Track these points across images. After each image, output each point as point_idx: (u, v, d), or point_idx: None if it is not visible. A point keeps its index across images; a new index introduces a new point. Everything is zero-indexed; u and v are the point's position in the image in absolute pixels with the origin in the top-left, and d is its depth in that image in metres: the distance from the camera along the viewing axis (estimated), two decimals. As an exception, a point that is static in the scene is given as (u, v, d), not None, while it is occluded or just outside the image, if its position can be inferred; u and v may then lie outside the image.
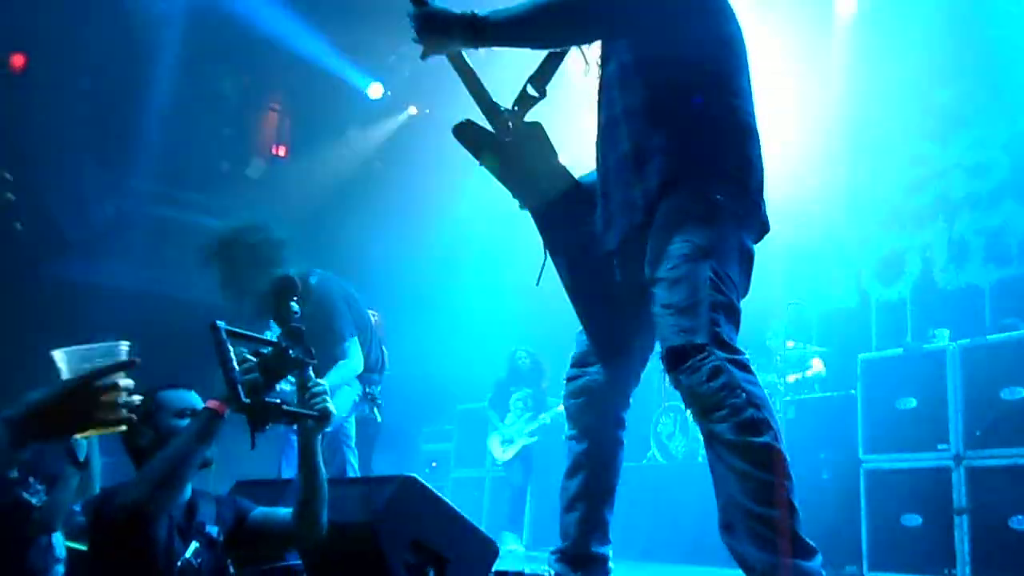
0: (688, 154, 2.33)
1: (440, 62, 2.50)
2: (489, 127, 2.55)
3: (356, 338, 4.59)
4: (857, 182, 8.31)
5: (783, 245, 7.64)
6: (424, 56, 2.47)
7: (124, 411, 1.81)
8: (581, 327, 2.64)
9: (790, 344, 7.16)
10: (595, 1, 2.40)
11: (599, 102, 2.56)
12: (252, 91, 9.38)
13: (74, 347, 1.90)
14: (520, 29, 2.43)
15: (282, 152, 9.82)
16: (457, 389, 9.08)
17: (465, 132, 2.53)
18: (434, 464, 9.00)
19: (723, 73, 2.44)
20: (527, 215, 2.63)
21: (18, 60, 7.94)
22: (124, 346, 1.90)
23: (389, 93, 9.47)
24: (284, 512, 2.63)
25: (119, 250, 8.09)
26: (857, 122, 8.24)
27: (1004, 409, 4.83)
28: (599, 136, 2.54)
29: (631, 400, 2.67)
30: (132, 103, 8.09)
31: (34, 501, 4.03)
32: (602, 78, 2.54)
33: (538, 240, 2.63)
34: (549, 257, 2.58)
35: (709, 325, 2.16)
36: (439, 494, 3.11)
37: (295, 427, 2.66)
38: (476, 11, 2.39)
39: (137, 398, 1.85)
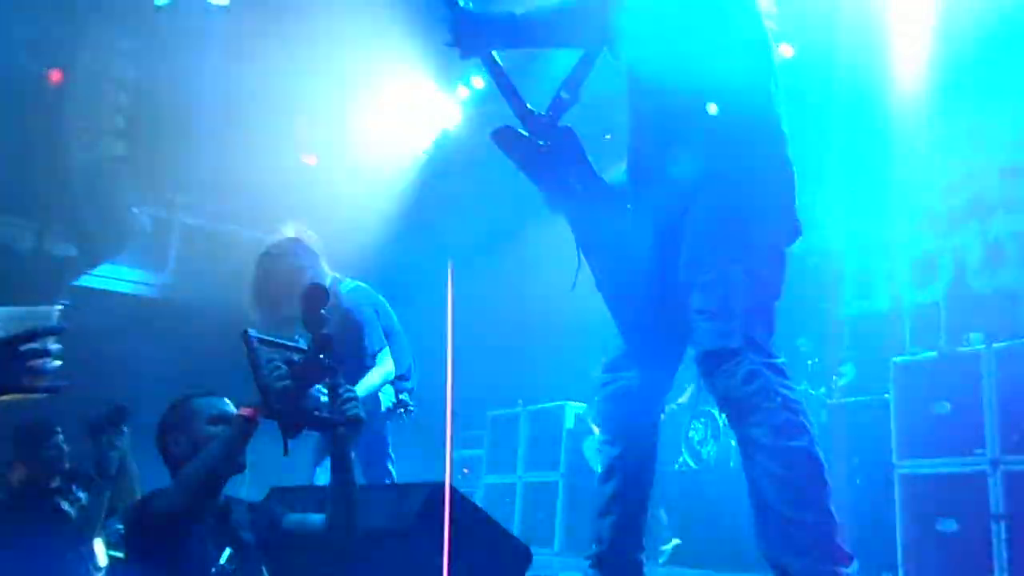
0: (723, 156, 2.35)
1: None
2: (524, 132, 2.56)
3: (386, 347, 4.63)
4: (889, 183, 8.23)
5: (813, 248, 7.59)
6: (463, 58, 2.50)
7: (50, 379, 1.77)
8: (614, 332, 2.65)
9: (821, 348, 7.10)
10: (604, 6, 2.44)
11: (634, 98, 2.56)
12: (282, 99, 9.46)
13: (5, 307, 1.85)
14: (546, 31, 2.49)
15: (312, 161, 9.89)
16: (489, 395, 9.09)
17: (503, 137, 2.54)
18: (466, 471, 9.02)
19: (755, 74, 2.46)
20: (561, 219, 2.64)
21: (56, 75, 8.06)
22: (57, 310, 1.87)
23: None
24: (317, 519, 2.65)
25: (158, 262, 8.22)
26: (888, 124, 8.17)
27: (1042, 412, 4.77)
28: (634, 133, 2.55)
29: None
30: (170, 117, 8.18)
31: (71, 511, 4.11)
32: (634, 75, 2.53)
33: (571, 244, 2.64)
34: (584, 260, 2.59)
35: (744, 329, 2.17)
36: (472, 500, 3.13)
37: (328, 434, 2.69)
38: (513, 12, 2.42)
39: (57, 363, 1.81)
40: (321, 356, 2.36)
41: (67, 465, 4.31)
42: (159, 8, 7.85)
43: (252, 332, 2.39)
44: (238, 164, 8.45)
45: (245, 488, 3.80)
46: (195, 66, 8.06)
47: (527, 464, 8.27)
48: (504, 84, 2.52)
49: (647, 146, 2.47)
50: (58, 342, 1.79)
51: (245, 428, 2.36)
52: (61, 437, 4.30)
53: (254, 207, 9.00)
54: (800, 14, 7.09)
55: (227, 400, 2.68)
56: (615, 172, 2.65)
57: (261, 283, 4.22)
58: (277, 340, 2.45)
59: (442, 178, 9.72)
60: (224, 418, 2.58)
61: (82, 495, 4.11)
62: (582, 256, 2.57)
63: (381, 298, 4.84)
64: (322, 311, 2.39)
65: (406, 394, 4.85)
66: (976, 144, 7.64)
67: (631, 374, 2.58)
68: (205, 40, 8.10)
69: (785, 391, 2.16)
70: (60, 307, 1.88)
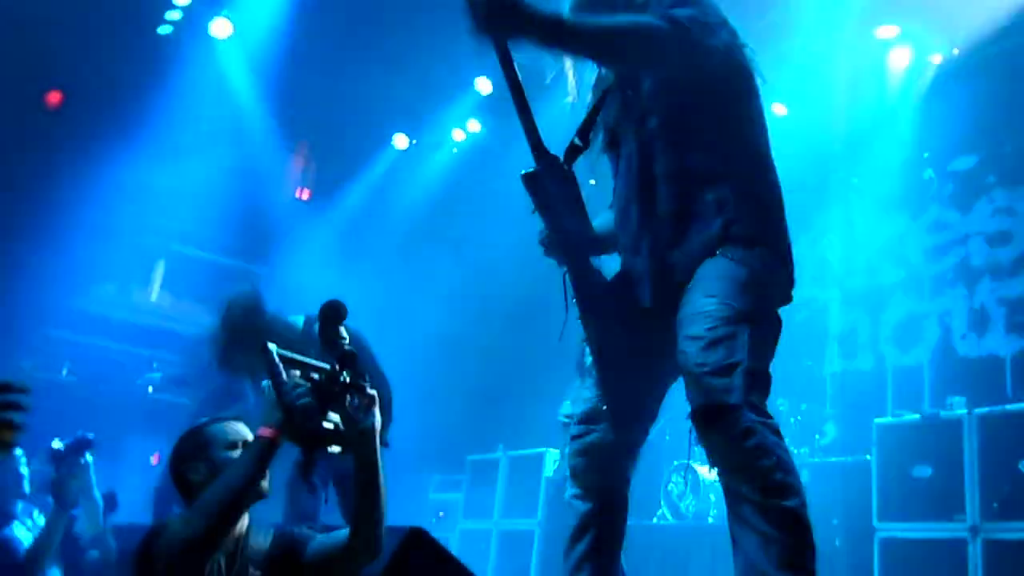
0: (733, 222, 2.36)
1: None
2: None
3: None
4: (878, 244, 8.31)
5: (798, 305, 7.62)
6: (483, 45, 2.33)
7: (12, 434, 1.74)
8: (589, 382, 2.63)
9: (803, 407, 7.08)
10: (671, 43, 2.34)
11: (627, 154, 2.56)
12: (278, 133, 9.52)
13: None
14: (595, 42, 2.37)
15: (305, 196, 9.93)
16: (468, 440, 9.04)
17: (533, 182, 2.49)
18: (441, 514, 8.92)
19: (763, 146, 2.51)
20: (553, 270, 2.62)
21: (55, 97, 8.09)
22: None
23: (415, 142, 9.58)
24: (343, 533, 2.50)
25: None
26: (879, 184, 8.27)
27: (1022, 481, 4.76)
28: (627, 190, 2.54)
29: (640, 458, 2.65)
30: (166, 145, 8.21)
31: (27, 537, 4.05)
32: (638, 130, 2.53)
33: (559, 295, 2.62)
34: (579, 314, 2.55)
35: (744, 388, 2.17)
36: (445, 547, 3.09)
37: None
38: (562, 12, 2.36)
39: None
40: (344, 373, 2.27)
41: (28, 491, 4.25)
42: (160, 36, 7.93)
43: (273, 347, 2.28)
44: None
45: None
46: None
47: (504, 510, 8.19)
48: (526, 113, 2.41)
49: (660, 202, 2.45)
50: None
51: (267, 450, 2.26)
52: (24, 461, 4.24)
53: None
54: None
55: (243, 424, 2.59)
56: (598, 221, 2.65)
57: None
58: (299, 357, 2.34)
59: (434, 215, 9.76)
60: (243, 442, 2.49)
61: (41, 522, 4.06)
62: (578, 306, 2.53)
63: (363, 334, 4.84)
64: (340, 327, 2.32)
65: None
66: (964, 209, 7.73)
67: (605, 427, 2.53)
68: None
69: (781, 452, 2.16)
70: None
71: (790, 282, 2.46)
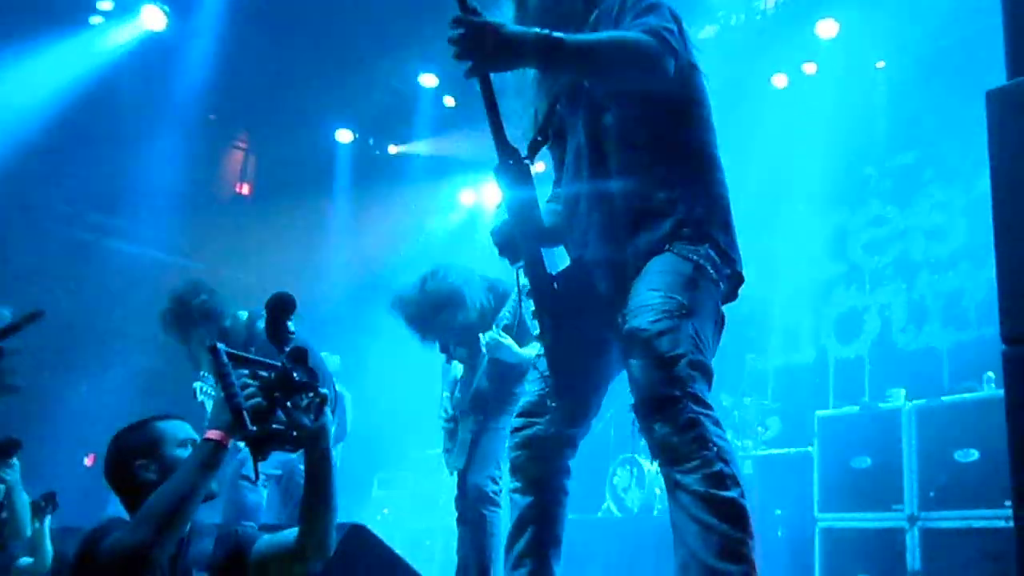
0: (683, 222, 2.38)
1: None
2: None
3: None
4: (819, 239, 8.43)
5: (742, 300, 7.68)
6: (470, 75, 2.31)
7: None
8: (532, 376, 2.61)
9: (746, 400, 7.16)
10: (663, 56, 2.33)
11: (575, 147, 2.55)
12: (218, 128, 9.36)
13: None
14: (593, 61, 2.34)
15: (246, 190, 9.78)
16: (413, 436, 8.98)
17: (505, 173, 2.44)
18: (386, 511, 8.87)
19: (712, 146, 2.52)
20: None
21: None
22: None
23: (357, 136, 9.49)
24: (291, 533, 2.42)
25: (81, 282, 8.00)
26: (820, 180, 8.39)
27: (958, 471, 4.85)
28: (576, 184, 2.53)
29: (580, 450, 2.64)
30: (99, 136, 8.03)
31: None
32: (589, 123, 2.51)
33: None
34: (532, 309, 2.52)
35: (687, 380, 2.18)
36: (387, 543, 3.05)
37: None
38: (551, 32, 2.28)
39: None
40: (295, 370, 2.19)
41: None
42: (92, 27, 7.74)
43: (221, 346, 2.20)
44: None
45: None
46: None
47: (450, 507, 8.11)
48: (494, 110, 2.40)
49: (610, 199, 2.43)
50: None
51: (216, 452, 2.16)
52: None
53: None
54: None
55: (187, 423, 2.49)
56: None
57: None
58: (247, 355, 2.26)
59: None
60: (191, 441, 2.39)
61: None
62: (533, 302, 2.48)
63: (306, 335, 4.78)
64: (288, 322, 2.22)
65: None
66: (903, 204, 7.88)
67: (547, 419, 2.52)
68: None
69: (721, 442, 2.17)
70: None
71: (737, 279, 2.48)
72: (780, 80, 8.20)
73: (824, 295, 8.22)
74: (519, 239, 2.49)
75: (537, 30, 2.27)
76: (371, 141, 9.83)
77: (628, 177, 2.43)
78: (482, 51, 2.25)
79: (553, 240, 2.64)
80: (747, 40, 8.00)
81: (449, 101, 9.04)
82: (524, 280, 2.50)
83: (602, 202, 2.46)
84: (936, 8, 6.97)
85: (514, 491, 2.55)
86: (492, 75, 2.39)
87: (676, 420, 2.15)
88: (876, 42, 7.70)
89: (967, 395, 5.17)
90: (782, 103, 8.19)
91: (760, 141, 7.97)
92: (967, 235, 7.29)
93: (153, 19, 7.82)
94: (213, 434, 2.17)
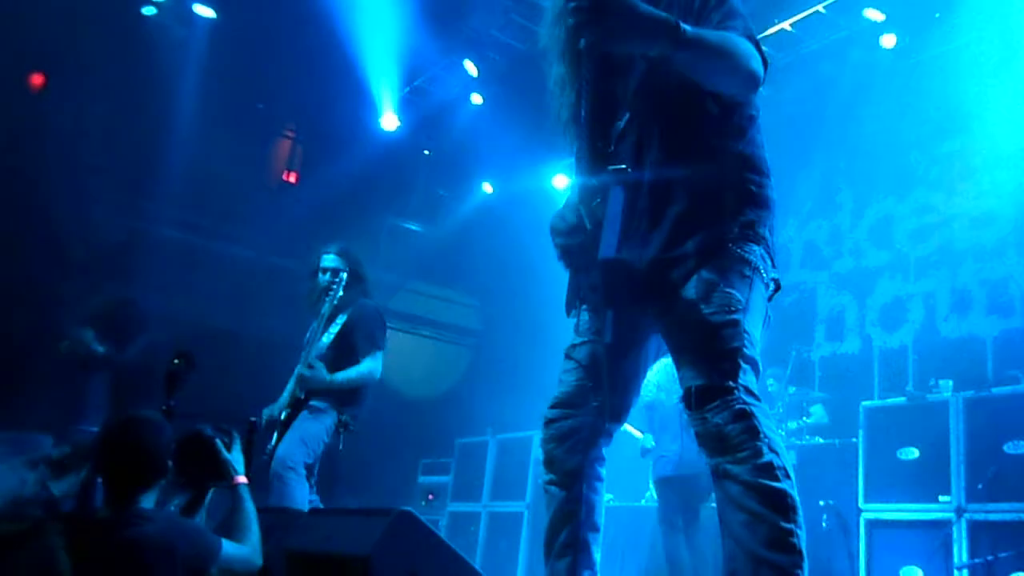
0: (743, 221, 2.41)
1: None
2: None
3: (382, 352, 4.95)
4: (863, 228, 8.33)
5: (787, 289, 7.64)
6: (588, 53, 2.22)
7: None
8: (570, 366, 2.59)
9: (791, 389, 7.12)
10: (761, 69, 2.35)
11: (634, 140, 2.51)
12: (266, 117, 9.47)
13: None
14: (710, 58, 2.29)
15: (293, 179, 9.88)
16: (456, 422, 9.06)
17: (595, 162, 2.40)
18: (431, 497, 8.95)
19: (764, 148, 2.54)
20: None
21: (38, 79, 8.03)
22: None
23: (403, 126, 9.53)
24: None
25: (127, 270, 8.11)
26: (863, 169, 8.30)
27: (1007, 463, 4.81)
28: (631, 176, 2.47)
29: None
30: (149, 126, 8.17)
31: None
32: (652, 119, 2.48)
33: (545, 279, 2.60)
34: (590, 305, 2.51)
35: (740, 372, 2.22)
36: (434, 529, 3.10)
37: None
38: (675, 17, 2.22)
39: None
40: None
41: None
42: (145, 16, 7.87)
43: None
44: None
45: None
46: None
47: (493, 493, 8.22)
48: (593, 96, 2.34)
49: (672, 200, 2.43)
50: None
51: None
52: None
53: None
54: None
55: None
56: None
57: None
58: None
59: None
60: None
61: None
62: (595, 300, 2.45)
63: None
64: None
65: (355, 420, 4.87)
66: (947, 192, 7.76)
67: (586, 410, 2.50)
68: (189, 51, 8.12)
69: (772, 434, 2.20)
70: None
71: (776, 285, 2.52)
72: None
73: (869, 284, 8.13)
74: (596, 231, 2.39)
75: (662, 13, 2.20)
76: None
77: (693, 174, 2.43)
78: (609, 26, 2.14)
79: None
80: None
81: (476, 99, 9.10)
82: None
83: (662, 196, 2.44)
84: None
85: (549, 483, 2.55)
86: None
87: (729, 410, 2.18)
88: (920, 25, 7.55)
89: (1017, 387, 5.11)
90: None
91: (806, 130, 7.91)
92: (1013, 223, 7.17)
93: (203, 9, 7.98)
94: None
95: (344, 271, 4.97)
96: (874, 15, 7.37)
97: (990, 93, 7.10)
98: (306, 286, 5.10)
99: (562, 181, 9.54)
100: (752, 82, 2.35)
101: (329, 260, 5.05)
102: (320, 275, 5.02)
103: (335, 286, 4.87)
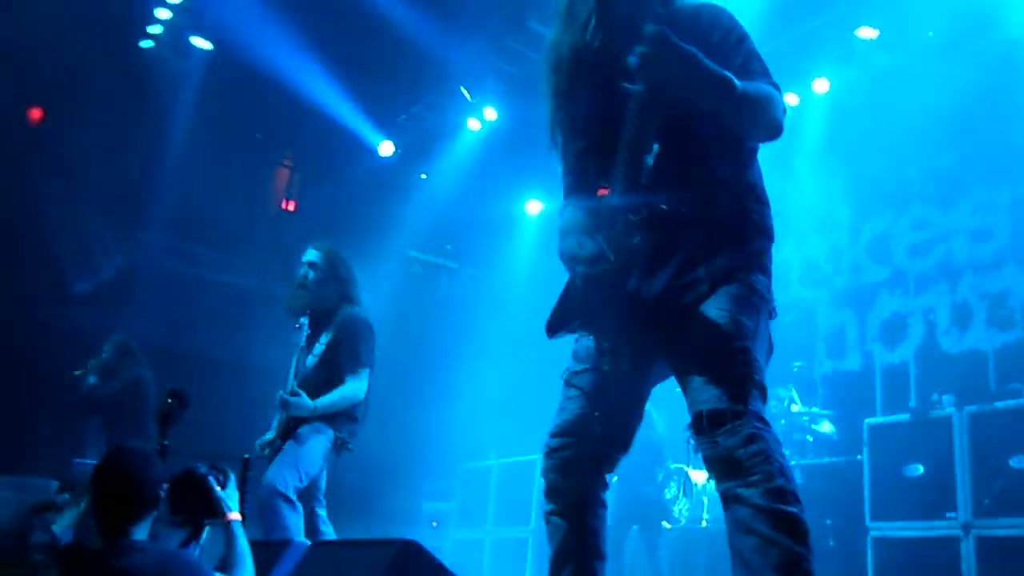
0: (751, 250, 2.47)
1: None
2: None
3: (369, 370, 4.79)
4: (861, 244, 8.34)
5: (787, 307, 7.63)
6: (642, 99, 2.26)
7: None
8: (571, 393, 2.56)
9: (795, 408, 7.10)
10: (783, 119, 2.45)
11: (636, 164, 2.44)
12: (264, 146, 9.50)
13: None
14: (752, 111, 2.38)
15: (291, 208, 9.91)
16: (460, 447, 9.02)
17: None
18: (435, 524, 8.90)
19: (763, 179, 2.59)
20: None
21: (36, 113, 8.07)
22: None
23: (399, 151, 9.55)
24: None
25: (126, 301, 8.11)
26: (861, 185, 8.32)
27: (1013, 477, 4.79)
28: (635, 200, 2.44)
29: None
30: (144, 157, 8.20)
31: None
32: (661, 145, 2.42)
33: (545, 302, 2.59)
34: (595, 331, 2.50)
35: (750, 397, 2.24)
36: (439, 560, 3.08)
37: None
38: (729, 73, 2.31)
39: None
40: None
41: None
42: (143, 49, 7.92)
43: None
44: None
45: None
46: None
47: (497, 519, 8.18)
48: (641, 141, 2.38)
49: (686, 226, 2.43)
50: None
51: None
52: None
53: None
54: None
55: None
56: None
57: None
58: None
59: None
60: None
61: None
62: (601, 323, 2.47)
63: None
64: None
65: (354, 437, 4.79)
66: (946, 206, 7.77)
67: (586, 441, 2.48)
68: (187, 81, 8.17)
69: (781, 459, 2.21)
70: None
71: (774, 313, 2.54)
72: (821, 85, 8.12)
73: (868, 301, 8.13)
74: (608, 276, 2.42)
75: (722, 69, 2.28)
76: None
77: (705, 202, 2.44)
78: (671, 75, 2.24)
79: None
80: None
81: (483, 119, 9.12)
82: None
83: (675, 224, 2.42)
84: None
85: (551, 513, 2.51)
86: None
87: (740, 434, 2.19)
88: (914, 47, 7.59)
89: (1021, 400, 5.10)
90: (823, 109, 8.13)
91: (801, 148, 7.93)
92: (1011, 236, 7.18)
93: (200, 41, 8.03)
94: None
95: (321, 265, 4.87)
96: (868, 33, 7.41)
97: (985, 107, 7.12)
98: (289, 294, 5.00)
99: (535, 207, 9.74)
100: (776, 132, 2.45)
101: (309, 254, 4.95)
102: (299, 270, 4.94)
103: (308, 280, 4.80)
